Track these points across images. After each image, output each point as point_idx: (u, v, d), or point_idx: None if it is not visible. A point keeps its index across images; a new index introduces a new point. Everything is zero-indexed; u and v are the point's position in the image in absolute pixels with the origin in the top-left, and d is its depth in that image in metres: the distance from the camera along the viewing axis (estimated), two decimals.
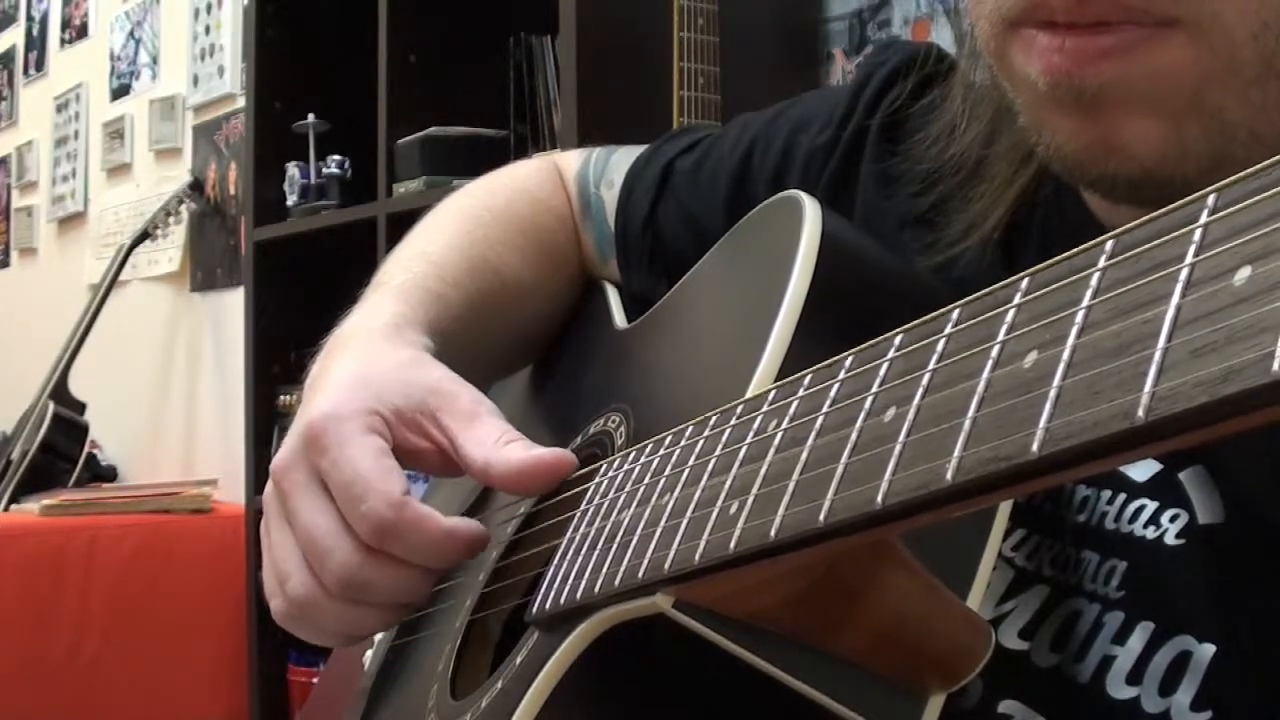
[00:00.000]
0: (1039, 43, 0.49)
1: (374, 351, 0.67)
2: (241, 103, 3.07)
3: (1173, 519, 0.53)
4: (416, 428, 0.63)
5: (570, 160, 0.90)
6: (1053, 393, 0.30)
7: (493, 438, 0.62)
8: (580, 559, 0.52)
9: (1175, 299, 0.27)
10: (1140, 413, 0.27)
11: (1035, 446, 0.30)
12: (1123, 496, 0.55)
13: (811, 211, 0.58)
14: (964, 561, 0.49)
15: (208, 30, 3.43)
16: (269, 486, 0.64)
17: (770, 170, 0.76)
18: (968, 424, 0.33)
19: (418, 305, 0.73)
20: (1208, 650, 0.51)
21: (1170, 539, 0.53)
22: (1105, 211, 0.58)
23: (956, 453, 0.32)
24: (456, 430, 0.63)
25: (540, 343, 0.86)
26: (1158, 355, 0.27)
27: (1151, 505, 0.54)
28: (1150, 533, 0.53)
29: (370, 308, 0.73)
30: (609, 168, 0.88)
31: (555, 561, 0.56)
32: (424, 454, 0.63)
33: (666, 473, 0.49)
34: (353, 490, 0.59)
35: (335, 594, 0.60)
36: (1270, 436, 0.33)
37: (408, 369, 0.66)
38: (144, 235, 3.42)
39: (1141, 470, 0.55)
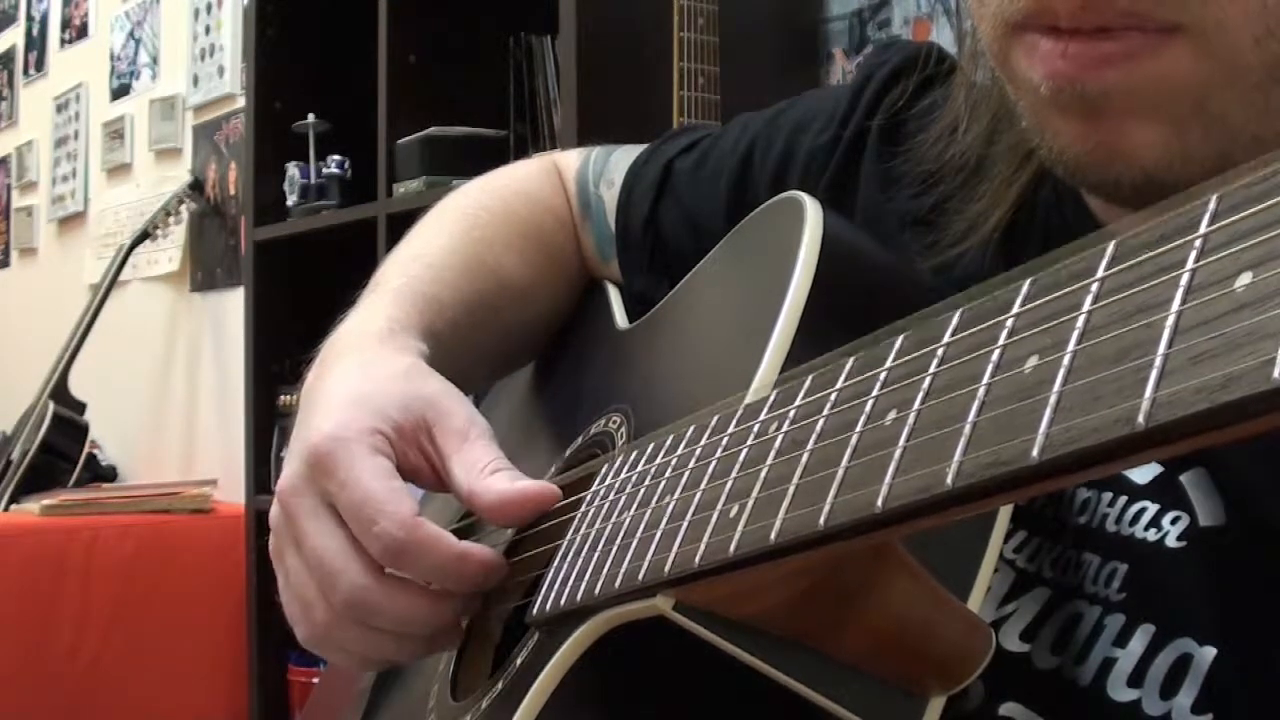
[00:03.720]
0: (1042, 47, 0.49)
1: (371, 361, 0.67)
2: (241, 103, 3.07)
3: (1174, 521, 0.53)
4: (415, 443, 0.63)
5: (570, 160, 0.90)
6: (1053, 398, 0.30)
7: (480, 464, 0.61)
8: (580, 561, 0.52)
9: (1176, 305, 0.27)
10: (1140, 419, 0.27)
11: (1035, 452, 0.30)
12: (1124, 499, 0.55)
13: (813, 212, 0.58)
14: (965, 564, 0.49)
15: (208, 30, 3.43)
16: (275, 509, 0.63)
17: (771, 170, 0.76)
18: (968, 429, 0.33)
19: (413, 309, 0.73)
20: (1209, 653, 0.51)
21: (1171, 541, 0.53)
22: (1106, 213, 0.58)
23: (957, 457, 0.32)
24: (448, 451, 0.62)
25: (539, 343, 0.86)
26: (1158, 361, 0.27)
27: (1153, 508, 0.54)
28: (1151, 535, 0.53)
29: (365, 312, 0.72)
30: (608, 168, 0.87)
31: (555, 563, 0.56)
32: (421, 471, 0.63)
33: (667, 475, 0.49)
34: (364, 512, 0.58)
35: (343, 616, 0.60)
36: (1271, 439, 0.33)
37: (405, 380, 0.65)
38: (144, 235, 3.42)
39: (1143, 473, 0.55)
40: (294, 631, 0.64)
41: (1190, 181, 0.49)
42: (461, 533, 0.65)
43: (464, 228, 0.82)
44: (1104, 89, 0.48)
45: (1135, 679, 0.52)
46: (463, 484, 0.61)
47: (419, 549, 0.58)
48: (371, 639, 0.61)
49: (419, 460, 0.63)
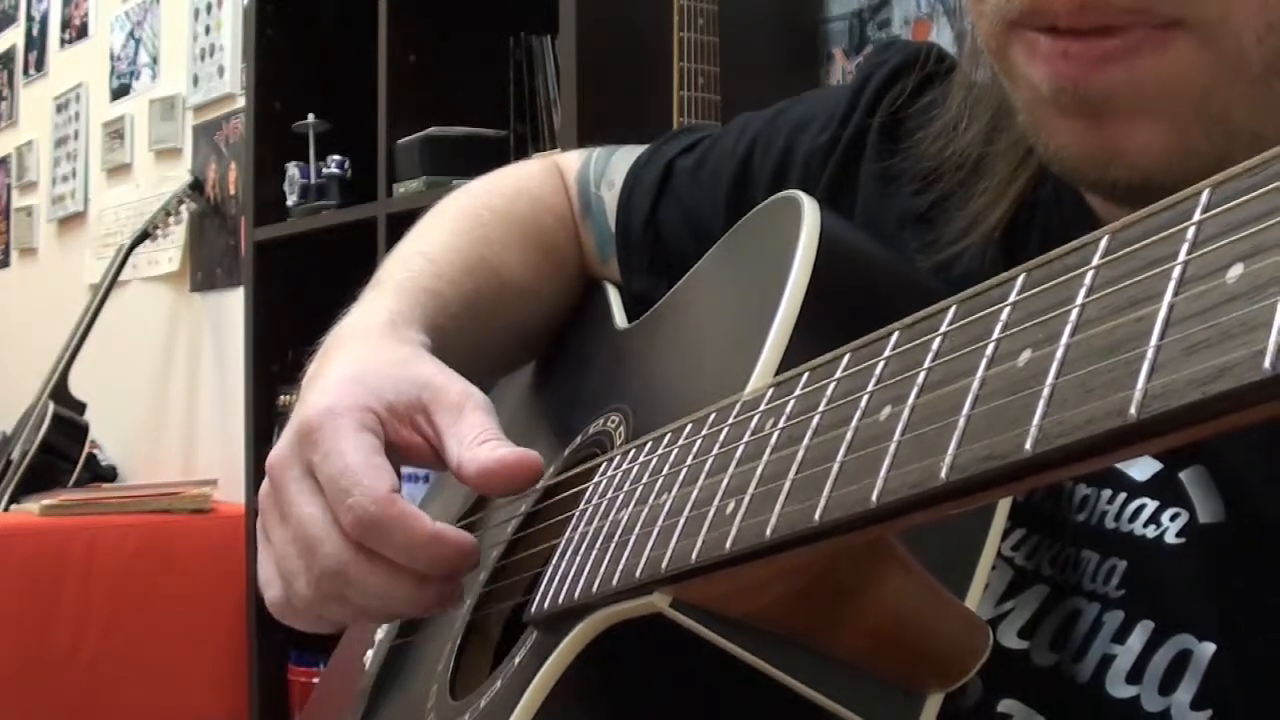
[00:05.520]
0: (1042, 47, 0.49)
1: (370, 348, 0.67)
2: (241, 103, 3.07)
3: (1173, 518, 0.53)
4: (409, 423, 0.63)
5: (571, 160, 0.91)
6: (1046, 391, 0.30)
7: (470, 435, 0.61)
8: (578, 558, 0.52)
9: (1168, 297, 0.27)
10: (1133, 410, 0.27)
11: (1029, 445, 0.30)
12: (1123, 496, 0.55)
13: (810, 211, 0.58)
14: (962, 561, 0.49)
15: (208, 30, 3.43)
16: (265, 482, 0.64)
17: (770, 170, 0.76)
18: (962, 422, 0.33)
19: (414, 303, 0.73)
20: (1208, 649, 0.51)
21: (1170, 538, 0.53)
22: (1106, 211, 0.58)
23: (950, 451, 0.32)
24: (443, 425, 0.62)
25: (539, 342, 0.86)
26: (1150, 353, 0.27)
27: (1152, 504, 0.54)
28: (1150, 532, 0.53)
29: (368, 306, 0.73)
30: (609, 168, 0.88)
31: (554, 561, 0.56)
32: (417, 448, 0.63)
33: (664, 472, 0.49)
34: (340, 483, 0.58)
35: (322, 586, 0.60)
36: (1270, 435, 0.33)
37: (402, 365, 0.65)
38: (144, 235, 3.42)
39: (1141, 469, 0.55)
40: (264, 596, 0.64)
41: (1189, 182, 0.49)
42: (468, 526, 0.65)
43: (466, 226, 0.82)
44: (1106, 89, 0.48)
45: (1134, 675, 0.52)
46: (453, 456, 0.61)
47: (391, 524, 0.57)
48: (351, 611, 0.61)
49: (413, 438, 0.63)
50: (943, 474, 0.32)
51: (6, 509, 3.14)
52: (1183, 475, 0.53)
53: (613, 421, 0.67)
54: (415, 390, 0.63)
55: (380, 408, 0.62)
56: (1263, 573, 0.51)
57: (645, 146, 0.88)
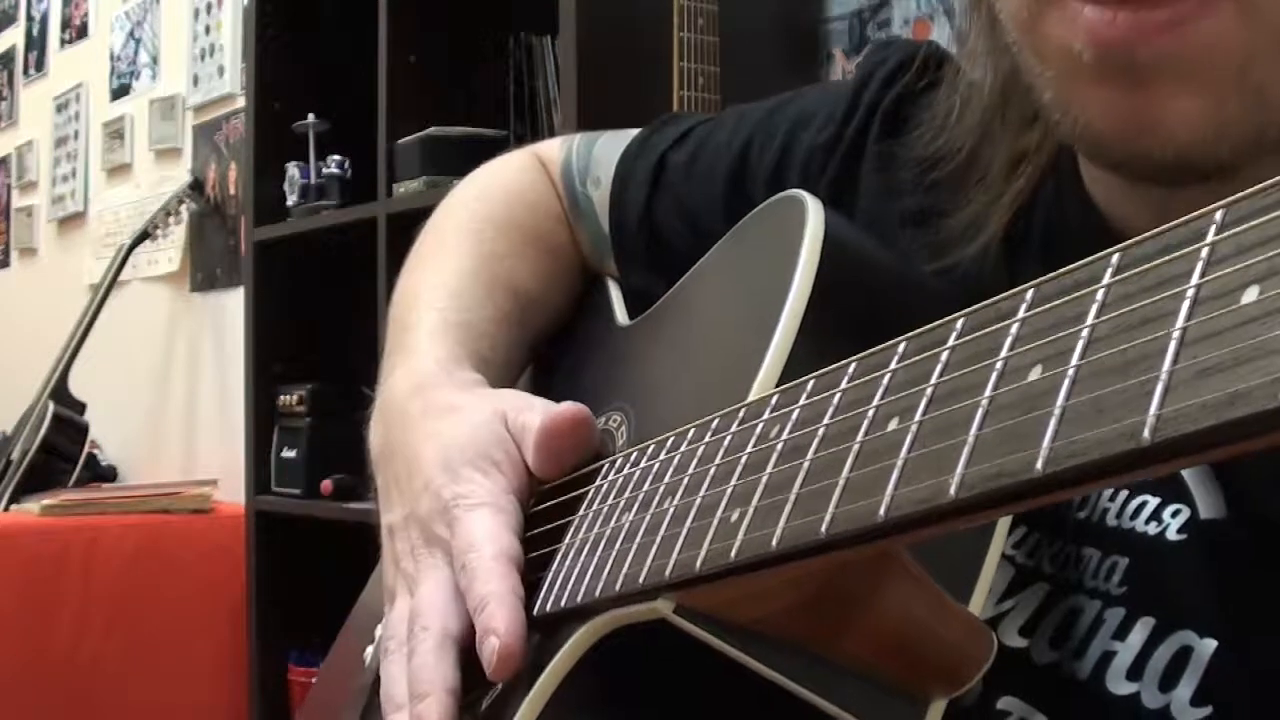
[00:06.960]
0: (1086, 16, 0.48)
1: (448, 423, 0.66)
2: (241, 103, 3.06)
3: (1174, 514, 0.53)
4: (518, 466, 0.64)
5: (553, 152, 0.89)
6: (1057, 410, 0.29)
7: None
8: (581, 563, 0.52)
9: (1182, 318, 0.27)
10: (1146, 434, 0.26)
11: (1039, 465, 0.29)
12: (1124, 493, 0.55)
13: (814, 211, 0.58)
14: (967, 566, 0.49)
15: (208, 30, 3.42)
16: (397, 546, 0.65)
17: (769, 167, 0.76)
18: (971, 439, 0.32)
19: (454, 343, 0.74)
20: (1209, 645, 0.51)
21: (1172, 534, 0.53)
22: (1110, 206, 0.57)
23: (959, 469, 0.32)
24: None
25: (547, 341, 0.86)
26: (1164, 376, 0.27)
27: (1153, 501, 0.54)
28: (1152, 529, 0.53)
29: (412, 360, 0.73)
30: (593, 162, 0.86)
31: (556, 565, 0.56)
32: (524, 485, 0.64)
33: (667, 478, 0.49)
34: (481, 619, 0.56)
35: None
36: None
37: (486, 425, 0.65)
38: (144, 235, 3.42)
39: None
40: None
41: (1220, 161, 0.48)
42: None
43: (471, 245, 0.82)
44: (1154, 56, 0.47)
45: (1134, 672, 0.52)
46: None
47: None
48: None
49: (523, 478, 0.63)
50: (952, 491, 0.32)
51: (6, 509, 3.14)
52: (1184, 471, 0.53)
53: (614, 421, 0.67)
54: (513, 438, 0.64)
55: (505, 492, 0.62)
56: (1264, 569, 0.51)
57: (629, 134, 0.86)
